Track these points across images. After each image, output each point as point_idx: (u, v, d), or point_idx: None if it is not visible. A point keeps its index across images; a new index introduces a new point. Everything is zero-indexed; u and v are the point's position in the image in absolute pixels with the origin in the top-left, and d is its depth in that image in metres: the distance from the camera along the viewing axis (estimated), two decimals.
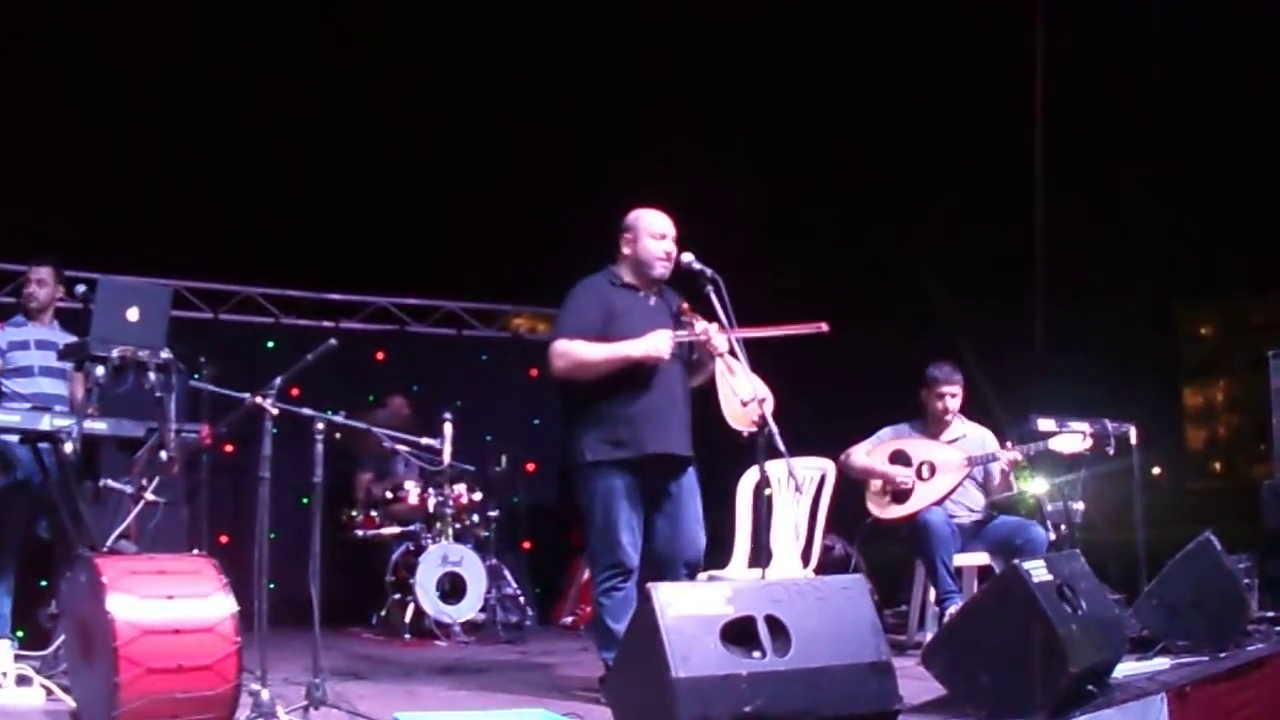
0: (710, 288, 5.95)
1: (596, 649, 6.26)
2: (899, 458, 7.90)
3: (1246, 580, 7.01)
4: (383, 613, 9.63)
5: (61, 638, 5.88)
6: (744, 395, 5.79)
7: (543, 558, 11.37)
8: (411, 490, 9.83)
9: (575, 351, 6.00)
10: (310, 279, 11.53)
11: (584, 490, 6.10)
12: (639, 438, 6.01)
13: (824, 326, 6.01)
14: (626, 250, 6.22)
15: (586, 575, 10.12)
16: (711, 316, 5.96)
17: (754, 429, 5.83)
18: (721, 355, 5.91)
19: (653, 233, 6.16)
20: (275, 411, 5.53)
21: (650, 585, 4.53)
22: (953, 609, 7.14)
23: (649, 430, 6.03)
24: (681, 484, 6.21)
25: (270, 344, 10.93)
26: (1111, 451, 7.70)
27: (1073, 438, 7.57)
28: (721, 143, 14.89)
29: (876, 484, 7.94)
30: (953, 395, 7.98)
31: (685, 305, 6.00)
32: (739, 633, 4.43)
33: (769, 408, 5.72)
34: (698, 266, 6.02)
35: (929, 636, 7.34)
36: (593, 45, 15.04)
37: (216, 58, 13.84)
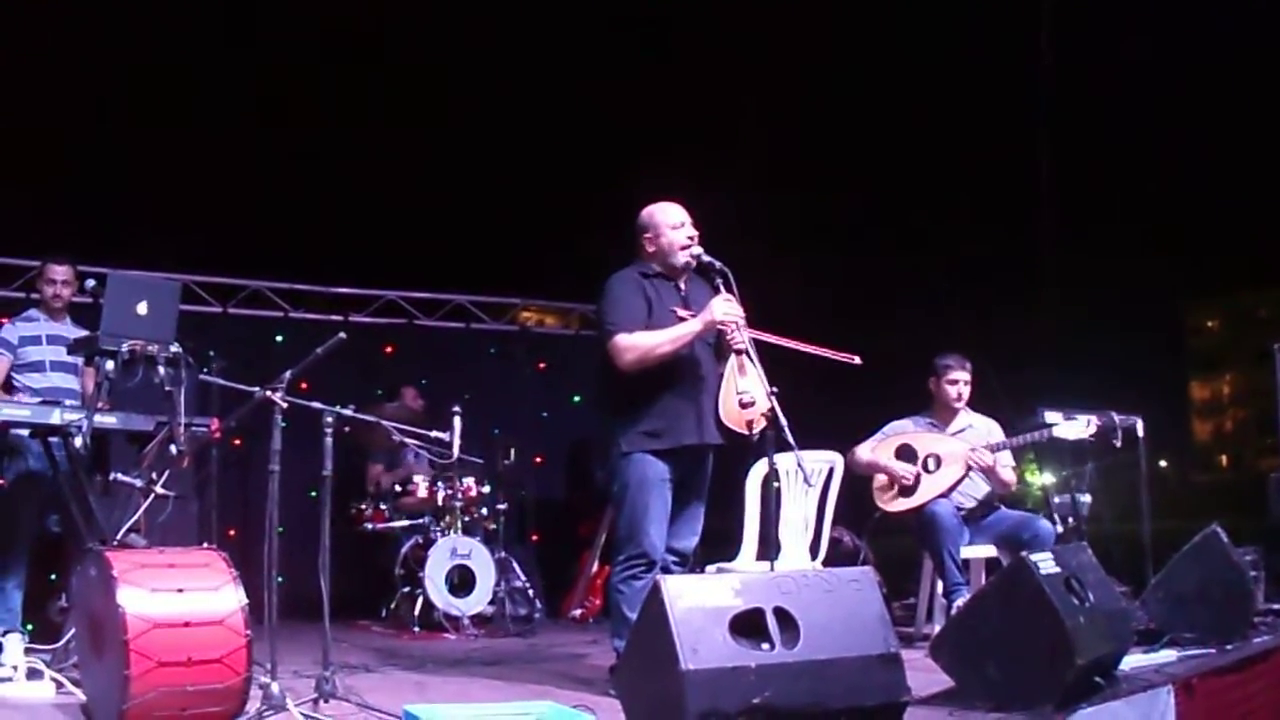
0: (720, 280, 6.00)
1: (610, 636, 6.30)
2: (905, 452, 7.90)
3: (1253, 572, 7.02)
4: (392, 606, 9.65)
5: (72, 631, 5.91)
6: (746, 398, 5.82)
7: (551, 550, 11.38)
8: (420, 483, 9.84)
9: (642, 342, 6.02)
10: (319, 273, 11.54)
11: (617, 479, 6.14)
12: (676, 429, 6.07)
13: (856, 359, 6.06)
14: (650, 248, 6.26)
15: (595, 568, 10.19)
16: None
17: (744, 432, 5.89)
18: (740, 352, 5.93)
19: (671, 224, 6.20)
20: (284, 405, 5.55)
21: (659, 577, 4.55)
22: (960, 601, 7.15)
23: (685, 421, 6.08)
24: (702, 472, 6.28)
25: (279, 338, 10.94)
26: (1118, 444, 7.70)
27: (1076, 424, 7.57)
28: (727, 138, 14.90)
29: (881, 478, 7.95)
30: (965, 383, 7.98)
31: (721, 293, 6.03)
32: (748, 625, 4.44)
33: (776, 407, 5.74)
34: (707, 259, 6.08)
35: (937, 628, 7.36)
36: (598, 43, 15.06)
37: (223, 53, 13.86)
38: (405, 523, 9.90)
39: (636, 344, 6.03)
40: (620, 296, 6.16)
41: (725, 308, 5.93)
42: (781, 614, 4.50)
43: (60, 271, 7.43)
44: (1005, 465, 7.84)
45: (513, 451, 10.69)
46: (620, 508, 6.18)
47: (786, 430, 5.65)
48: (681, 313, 6.06)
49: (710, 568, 7.46)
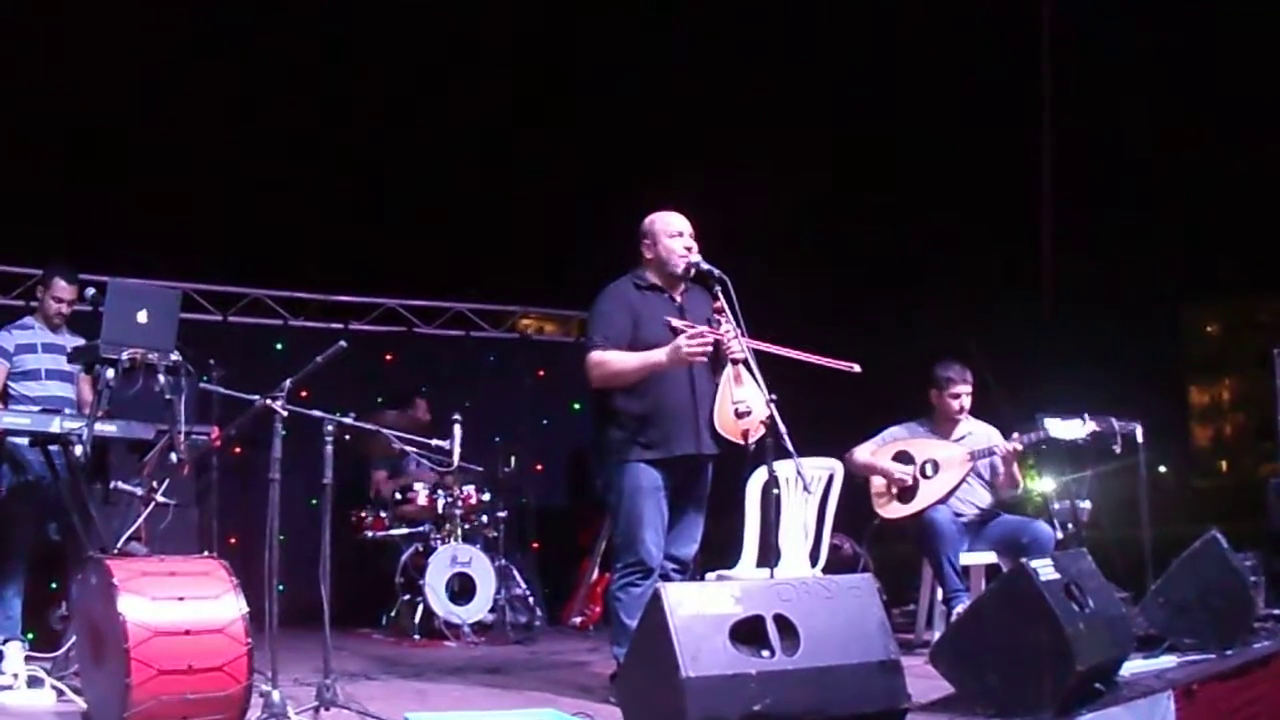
0: (718, 287, 6.01)
1: (610, 643, 6.32)
2: (902, 457, 7.90)
3: (1252, 578, 7.01)
4: (392, 614, 9.64)
5: (72, 639, 5.91)
6: (742, 407, 5.84)
7: (551, 558, 11.36)
8: (420, 491, 9.84)
9: (609, 363, 6.08)
10: (319, 281, 11.54)
11: (612, 487, 6.17)
12: (669, 438, 6.09)
13: (855, 367, 6.07)
14: (648, 255, 6.29)
15: (595, 575, 10.18)
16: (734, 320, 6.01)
17: (741, 442, 5.91)
18: (736, 362, 5.94)
19: (670, 232, 6.23)
20: (285, 413, 5.56)
21: (659, 585, 4.56)
22: (960, 607, 7.16)
23: (679, 431, 6.10)
24: (699, 481, 6.29)
25: (279, 346, 10.91)
26: (1118, 450, 7.70)
27: (1072, 423, 7.56)
28: (726, 146, 14.91)
29: (879, 484, 7.94)
30: (967, 394, 7.98)
31: (718, 305, 6.04)
32: (748, 632, 4.46)
33: (775, 414, 5.74)
34: (705, 266, 6.09)
35: (937, 635, 7.36)
36: (600, 49, 15.07)
37: (224, 61, 13.88)
38: (405, 530, 9.89)
39: (604, 363, 6.11)
40: (604, 312, 6.21)
41: (691, 347, 5.92)
42: (782, 621, 4.51)
43: (70, 291, 7.42)
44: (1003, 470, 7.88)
45: (513, 459, 10.67)
46: (616, 516, 6.20)
47: (786, 437, 5.66)
48: (676, 323, 6.07)
49: (710, 575, 7.47)
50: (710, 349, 5.99)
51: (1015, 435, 7.69)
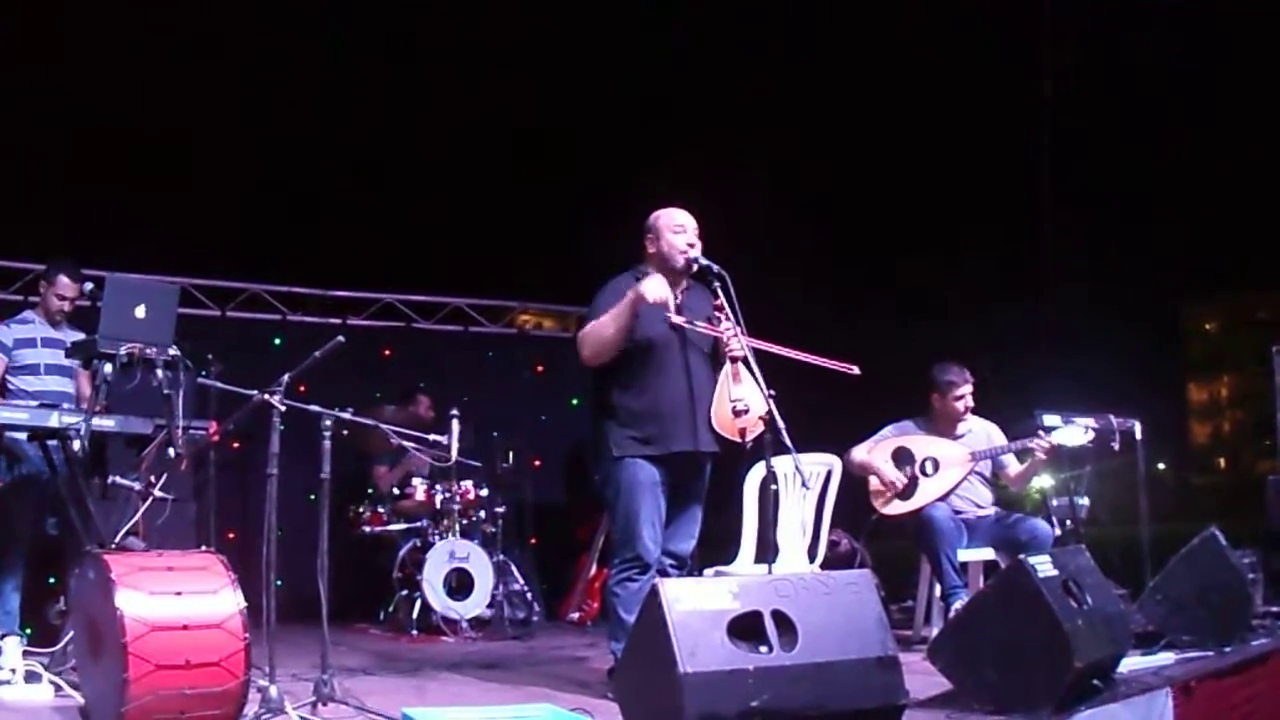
0: (718, 284, 6.00)
1: (607, 639, 6.32)
2: (901, 455, 7.89)
3: (1251, 575, 7.02)
4: (390, 609, 9.64)
5: (70, 634, 5.90)
6: (739, 405, 5.83)
7: (549, 553, 11.36)
8: (418, 486, 9.84)
9: (590, 332, 6.10)
10: (317, 276, 11.55)
11: (609, 483, 6.16)
12: (667, 435, 6.08)
13: (854, 369, 6.05)
14: (650, 249, 6.29)
15: (593, 571, 10.18)
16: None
17: (738, 440, 5.91)
18: (736, 360, 5.94)
19: (672, 227, 6.23)
20: (283, 408, 5.55)
21: (657, 580, 4.56)
22: (958, 604, 7.15)
23: (676, 427, 6.09)
24: (697, 478, 6.29)
25: (277, 341, 10.93)
26: (1116, 447, 7.70)
27: (1075, 431, 7.57)
28: (726, 144, 14.91)
29: (875, 482, 7.94)
30: (970, 394, 7.96)
31: (718, 303, 6.03)
32: (746, 628, 4.44)
33: (773, 410, 5.73)
34: (705, 262, 6.08)
35: (935, 631, 7.35)
36: (600, 49, 15.07)
37: (224, 58, 13.87)
38: (403, 526, 9.89)
39: (585, 335, 6.13)
40: (601, 302, 6.20)
41: (655, 288, 5.92)
42: (779, 617, 4.50)
43: (74, 289, 7.40)
44: (1013, 466, 7.88)
45: (511, 454, 10.66)
46: (614, 512, 6.20)
47: (784, 433, 5.65)
48: (675, 318, 6.06)
49: (708, 571, 7.46)
50: (667, 298, 5.96)
51: (1042, 435, 7.64)
